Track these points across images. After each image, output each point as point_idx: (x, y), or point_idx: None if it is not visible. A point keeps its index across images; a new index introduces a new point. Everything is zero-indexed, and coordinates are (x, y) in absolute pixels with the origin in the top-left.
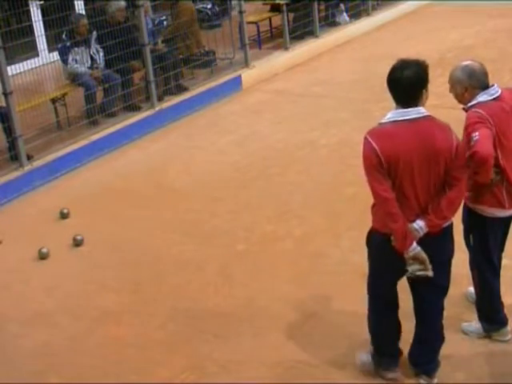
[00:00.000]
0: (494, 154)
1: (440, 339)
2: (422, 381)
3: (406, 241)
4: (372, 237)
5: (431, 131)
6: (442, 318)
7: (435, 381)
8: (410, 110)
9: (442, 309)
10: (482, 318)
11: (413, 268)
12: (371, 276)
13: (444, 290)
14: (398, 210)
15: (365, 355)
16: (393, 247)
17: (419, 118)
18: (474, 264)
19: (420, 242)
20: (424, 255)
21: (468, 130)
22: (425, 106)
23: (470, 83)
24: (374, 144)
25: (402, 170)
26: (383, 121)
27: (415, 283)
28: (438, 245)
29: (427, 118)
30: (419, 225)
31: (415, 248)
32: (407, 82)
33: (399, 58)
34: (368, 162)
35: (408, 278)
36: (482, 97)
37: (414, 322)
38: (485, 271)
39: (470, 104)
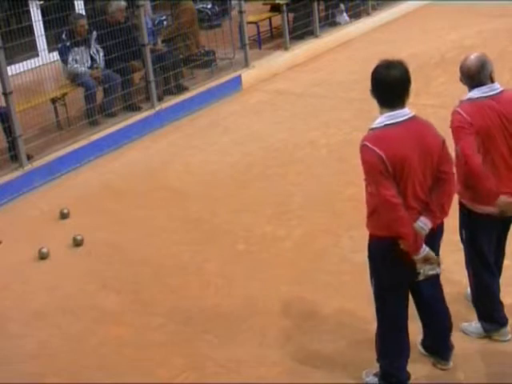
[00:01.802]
0: (480, 161)
1: (448, 326)
2: (439, 366)
3: (418, 243)
4: (374, 244)
5: (421, 130)
6: (445, 302)
7: (451, 364)
8: (398, 111)
9: (441, 292)
10: (482, 317)
11: (425, 269)
12: (379, 292)
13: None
14: (406, 213)
15: (371, 377)
16: (399, 251)
17: (408, 118)
18: (469, 263)
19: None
20: (433, 253)
21: (452, 134)
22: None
23: (461, 78)
24: (378, 150)
25: (407, 173)
26: (376, 126)
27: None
28: (435, 240)
29: (415, 118)
30: (423, 222)
31: (425, 248)
32: (396, 82)
33: (382, 59)
34: (373, 169)
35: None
36: (474, 93)
37: (418, 317)
38: (479, 272)
39: (461, 99)
